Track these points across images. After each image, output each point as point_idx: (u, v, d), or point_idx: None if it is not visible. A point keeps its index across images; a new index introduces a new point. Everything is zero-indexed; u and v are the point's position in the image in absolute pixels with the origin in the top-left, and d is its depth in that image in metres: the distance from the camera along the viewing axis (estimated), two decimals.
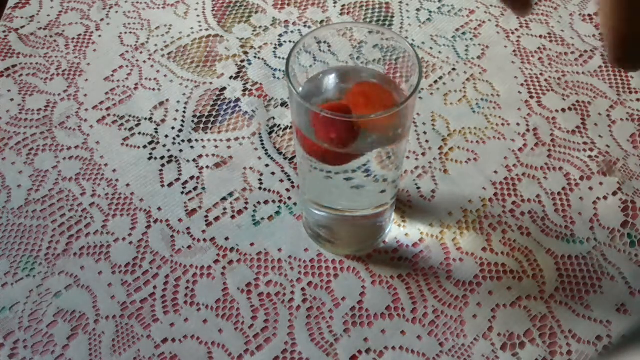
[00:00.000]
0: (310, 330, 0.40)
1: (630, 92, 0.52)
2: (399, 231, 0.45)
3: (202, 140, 0.50)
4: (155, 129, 0.50)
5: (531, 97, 0.52)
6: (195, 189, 0.47)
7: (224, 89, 0.53)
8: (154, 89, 0.53)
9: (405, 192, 0.47)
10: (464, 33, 0.57)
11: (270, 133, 0.50)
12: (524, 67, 0.54)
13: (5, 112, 0.51)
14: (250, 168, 0.48)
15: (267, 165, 0.48)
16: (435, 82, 0.53)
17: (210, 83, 0.53)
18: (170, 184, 0.47)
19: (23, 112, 0.52)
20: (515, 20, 0.58)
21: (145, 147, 0.49)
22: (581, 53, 0.55)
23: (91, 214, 0.46)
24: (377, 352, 0.40)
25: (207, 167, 0.48)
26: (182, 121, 0.51)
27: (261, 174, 0.48)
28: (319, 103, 0.35)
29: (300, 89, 0.37)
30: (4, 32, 0.57)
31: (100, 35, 0.57)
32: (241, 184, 0.47)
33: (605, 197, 0.46)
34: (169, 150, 0.49)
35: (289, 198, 0.46)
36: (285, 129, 0.50)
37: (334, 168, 0.37)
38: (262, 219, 0.45)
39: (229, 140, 0.50)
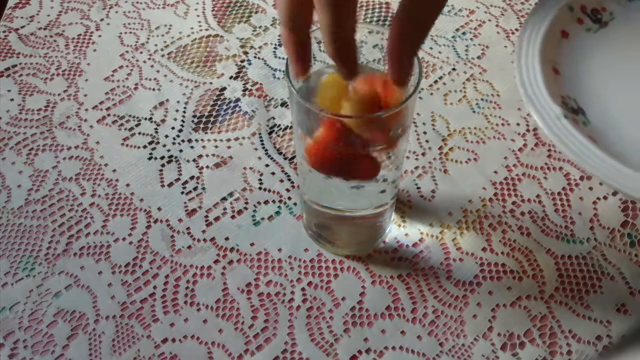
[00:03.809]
0: (310, 330, 0.40)
1: None
2: (399, 231, 0.45)
3: (202, 140, 0.50)
4: (155, 129, 0.50)
5: None
6: (195, 189, 0.47)
7: (224, 89, 0.53)
8: (154, 89, 0.53)
9: (405, 192, 0.47)
10: (464, 33, 0.57)
11: (270, 133, 0.50)
12: None
13: (5, 112, 0.51)
14: (250, 168, 0.48)
15: (267, 165, 0.48)
16: (435, 82, 0.53)
17: (210, 83, 0.53)
18: (170, 184, 0.47)
19: (23, 112, 0.52)
20: (515, 20, 0.58)
21: (145, 147, 0.49)
22: None
23: (91, 214, 0.46)
24: (377, 352, 0.40)
25: (207, 167, 0.48)
26: (182, 121, 0.51)
27: (261, 174, 0.48)
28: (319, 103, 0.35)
29: (300, 83, 0.37)
30: (4, 32, 0.57)
31: (100, 35, 0.57)
32: (241, 184, 0.47)
33: (605, 197, 0.46)
34: (169, 150, 0.49)
35: (289, 198, 0.46)
36: (285, 129, 0.50)
37: None
38: (262, 219, 0.45)
39: (229, 140, 0.50)
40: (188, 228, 0.45)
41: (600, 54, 0.43)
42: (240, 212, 0.46)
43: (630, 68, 0.43)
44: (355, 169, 0.36)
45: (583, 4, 0.44)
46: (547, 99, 0.38)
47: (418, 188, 0.47)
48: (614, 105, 0.41)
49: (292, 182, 0.47)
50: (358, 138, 0.34)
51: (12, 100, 0.52)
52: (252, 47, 0.56)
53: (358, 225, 0.43)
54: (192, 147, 0.49)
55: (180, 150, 0.49)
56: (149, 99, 0.52)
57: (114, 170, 0.48)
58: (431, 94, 0.52)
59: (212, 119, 0.51)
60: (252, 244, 0.44)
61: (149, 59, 0.55)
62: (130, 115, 0.51)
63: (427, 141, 0.49)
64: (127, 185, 0.47)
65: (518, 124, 0.50)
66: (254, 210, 0.46)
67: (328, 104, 0.33)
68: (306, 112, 0.34)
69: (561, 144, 0.36)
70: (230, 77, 0.54)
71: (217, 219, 0.45)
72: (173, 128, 0.50)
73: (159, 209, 0.46)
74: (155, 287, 0.42)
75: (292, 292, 0.42)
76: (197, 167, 0.48)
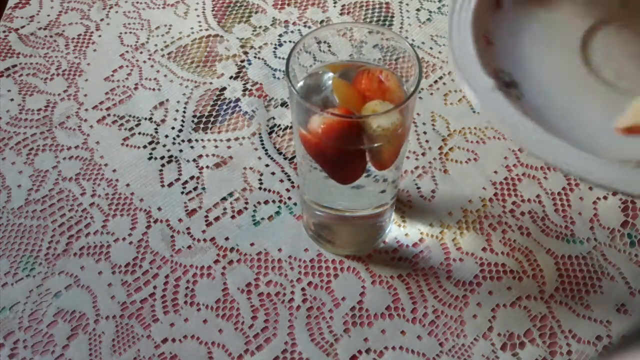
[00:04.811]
0: (310, 330, 0.40)
1: None
2: (399, 231, 0.45)
3: (202, 140, 0.50)
4: (155, 129, 0.50)
5: None
6: (195, 189, 0.47)
7: (224, 89, 0.53)
8: (154, 89, 0.53)
9: (405, 192, 0.47)
10: None
11: (270, 133, 0.50)
12: None
13: (5, 112, 0.51)
14: (250, 168, 0.48)
15: (267, 165, 0.48)
16: (435, 82, 0.53)
17: (210, 83, 0.53)
18: (170, 184, 0.47)
19: (23, 112, 0.52)
20: None
21: (145, 147, 0.49)
22: None
23: (91, 214, 0.46)
24: (377, 352, 0.40)
25: (207, 167, 0.48)
26: (182, 121, 0.51)
27: (261, 174, 0.48)
28: (318, 103, 0.36)
29: (300, 83, 0.37)
30: (4, 32, 0.57)
31: (100, 35, 0.57)
32: (241, 184, 0.47)
33: (605, 197, 0.46)
34: (169, 150, 0.49)
35: (289, 198, 0.46)
36: (285, 129, 0.50)
37: None
38: (262, 219, 0.45)
39: (229, 140, 0.50)
40: (188, 228, 0.45)
41: (533, 24, 0.42)
42: (240, 212, 0.46)
43: (563, 38, 0.42)
44: (343, 164, 0.36)
45: None
46: (479, 71, 0.37)
47: (418, 188, 0.47)
48: (547, 77, 0.40)
49: (292, 182, 0.47)
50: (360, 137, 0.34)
51: (12, 100, 0.52)
52: (252, 47, 0.56)
53: (358, 225, 0.43)
54: (192, 147, 0.49)
55: (180, 150, 0.49)
56: (149, 99, 0.52)
57: (114, 170, 0.48)
58: (431, 94, 0.52)
59: (212, 119, 0.51)
60: (252, 244, 0.44)
61: (149, 59, 0.55)
62: (130, 115, 0.51)
63: (427, 141, 0.49)
64: (127, 185, 0.47)
65: None
66: (254, 210, 0.46)
67: (346, 103, 0.34)
68: (306, 112, 0.34)
69: (492, 116, 0.35)
70: (230, 77, 0.54)
71: (217, 219, 0.45)
72: (173, 128, 0.50)
73: (159, 209, 0.46)
74: (155, 287, 0.42)
75: (292, 292, 0.42)
76: (197, 167, 0.48)
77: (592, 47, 0.41)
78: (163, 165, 0.48)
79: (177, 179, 0.47)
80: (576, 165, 0.33)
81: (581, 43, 0.41)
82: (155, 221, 0.45)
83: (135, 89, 0.53)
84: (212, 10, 0.59)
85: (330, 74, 0.36)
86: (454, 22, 0.38)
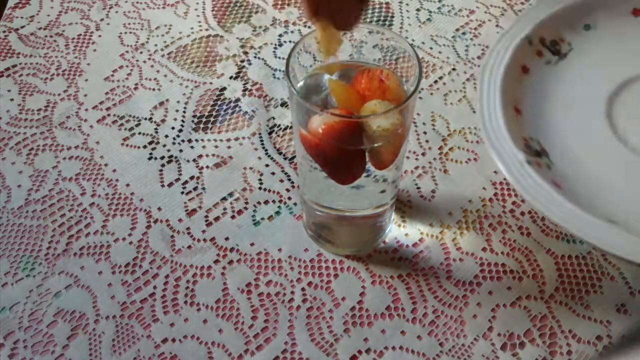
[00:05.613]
0: (310, 330, 0.40)
1: None
2: (399, 231, 0.45)
3: (202, 140, 0.50)
4: (155, 129, 0.50)
5: None
6: (195, 189, 0.47)
7: (224, 89, 0.53)
8: (154, 89, 0.53)
9: (405, 192, 0.47)
10: (464, 33, 0.57)
11: (270, 133, 0.50)
12: None
13: (5, 112, 0.51)
14: (250, 168, 0.48)
15: (267, 165, 0.48)
16: (435, 82, 0.53)
17: (210, 83, 0.53)
18: (170, 184, 0.47)
19: (23, 112, 0.52)
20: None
21: (145, 147, 0.49)
22: None
23: (91, 214, 0.46)
24: (377, 352, 0.40)
25: (207, 167, 0.48)
26: (182, 121, 0.51)
27: (261, 174, 0.48)
28: (318, 103, 0.36)
29: (300, 84, 0.37)
30: (4, 32, 0.57)
31: (100, 35, 0.57)
32: (241, 184, 0.47)
33: None
34: (169, 150, 0.49)
35: (289, 198, 0.46)
36: (285, 129, 0.50)
37: None
38: (262, 219, 0.45)
39: (229, 140, 0.50)
40: (188, 228, 0.45)
41: (560, 88, 0.42)
42: (240, 212, 0.46)
43: (590, 100, 0.42)
44: (343, 164, 0.36)
45: (542, 36, 0.43)
46: (510, 145, 0.37)
47: (418, 188, 0.47)
48: (575, 142, 0.40)
49: (292, 182, 0.47)
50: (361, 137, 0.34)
51: (12, 100, 0.52)
52: (252, 47, 0.56)
53: (358, 225, 0.43)
54: (192, 147, 0.49)
55: (180, 150, 0.49)
56: (149, 99, 0.52)
57: (114, 170, 0.48)
58: (431, 94, 0.52)
59: (212, 119, 0.51)
60: (252, 244, 0.44)
61: (149, 59, 0.55)
62: (130, 115, 0.51)
63: (427, 141, 0.49)
64: (127, 185, 0.47)
65: None
66: (254, 210, 0.46)
67: (345, 103, 0.34)
68: (306, 112, 0.34)
69: (526, 194, 0.36)
70: (230, 77, 0.54)
71: (217, 219, 0.45)
72: (173, 128, 0.50)
73: (159, 209, 0.46)
74: (155, 287, 0.42)
75: (292, 292, 0.42)
76: (197, 167, 0.48)
77: (617, 109, 0.41)
78: (163, 165, 0.48)
79: (177, 179, 0.47)
80: (608, 241, 0.34)
81: (607, 105, 0.42)
82: (155, 221, 0.45)
83: (135, 89, 0.53)
84: (212, 10, 0.59)
85: (327, 76, 0.36)
86: (484, 92, 0.39)
